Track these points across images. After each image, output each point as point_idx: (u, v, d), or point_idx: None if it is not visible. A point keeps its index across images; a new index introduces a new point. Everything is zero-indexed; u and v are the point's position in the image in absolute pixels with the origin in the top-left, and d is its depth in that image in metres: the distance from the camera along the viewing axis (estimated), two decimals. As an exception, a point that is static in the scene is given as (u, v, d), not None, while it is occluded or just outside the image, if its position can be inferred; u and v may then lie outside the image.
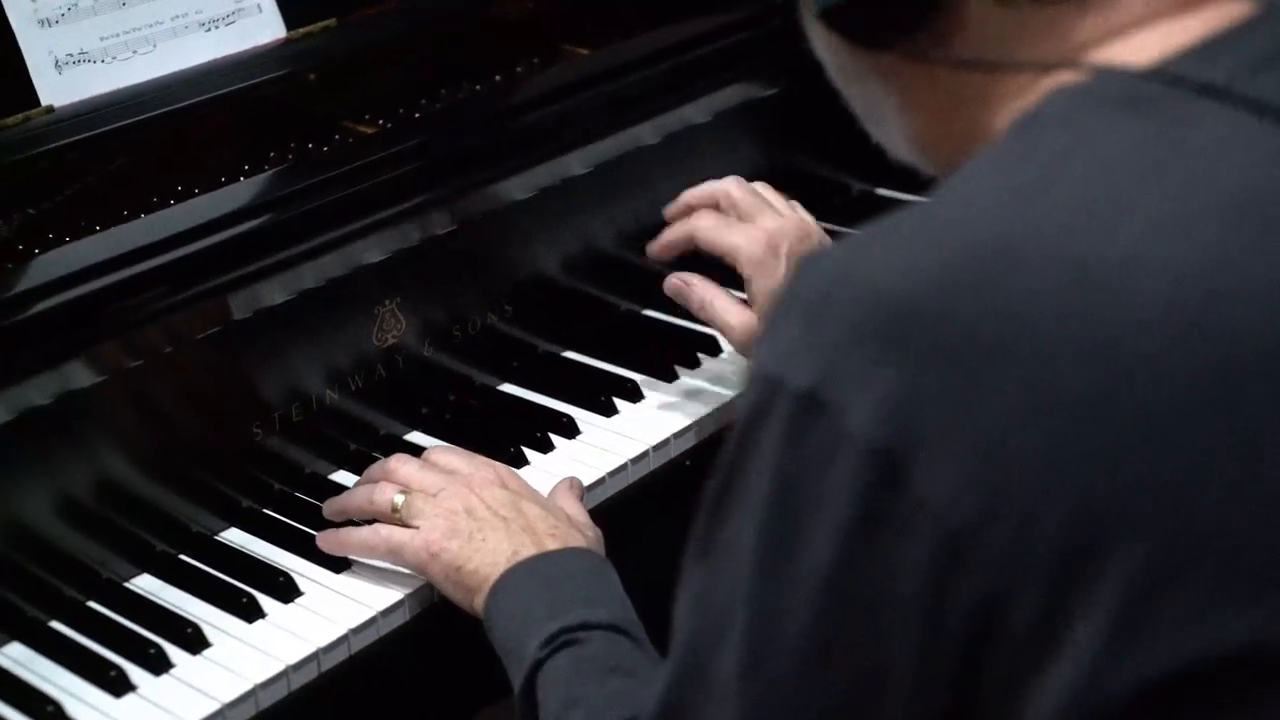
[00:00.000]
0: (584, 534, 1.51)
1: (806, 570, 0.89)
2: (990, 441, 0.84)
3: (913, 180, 2.14)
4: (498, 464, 1.58)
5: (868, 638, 0.88)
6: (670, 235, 1.78)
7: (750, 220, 1.74)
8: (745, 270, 1.70)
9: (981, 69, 0.98)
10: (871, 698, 0.90)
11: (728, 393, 1.78)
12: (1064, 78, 0.95)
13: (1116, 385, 0.83)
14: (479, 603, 1.44)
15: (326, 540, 1.54)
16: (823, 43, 1.06)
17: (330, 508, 1.58)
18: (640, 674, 1.31)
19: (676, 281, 1.76)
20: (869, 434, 0.85)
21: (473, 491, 1.51)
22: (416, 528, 1.50)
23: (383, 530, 1.51)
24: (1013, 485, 0.83)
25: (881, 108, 1.06)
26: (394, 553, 1.50)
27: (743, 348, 1.72)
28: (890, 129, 1.07)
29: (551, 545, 1.46)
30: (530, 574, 1.43)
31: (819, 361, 0.87)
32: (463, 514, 1.49)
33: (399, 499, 1.51)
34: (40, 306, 1.45)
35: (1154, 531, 0.83)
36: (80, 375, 1.47)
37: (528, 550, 1.45)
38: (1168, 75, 0.92)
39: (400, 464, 1.57)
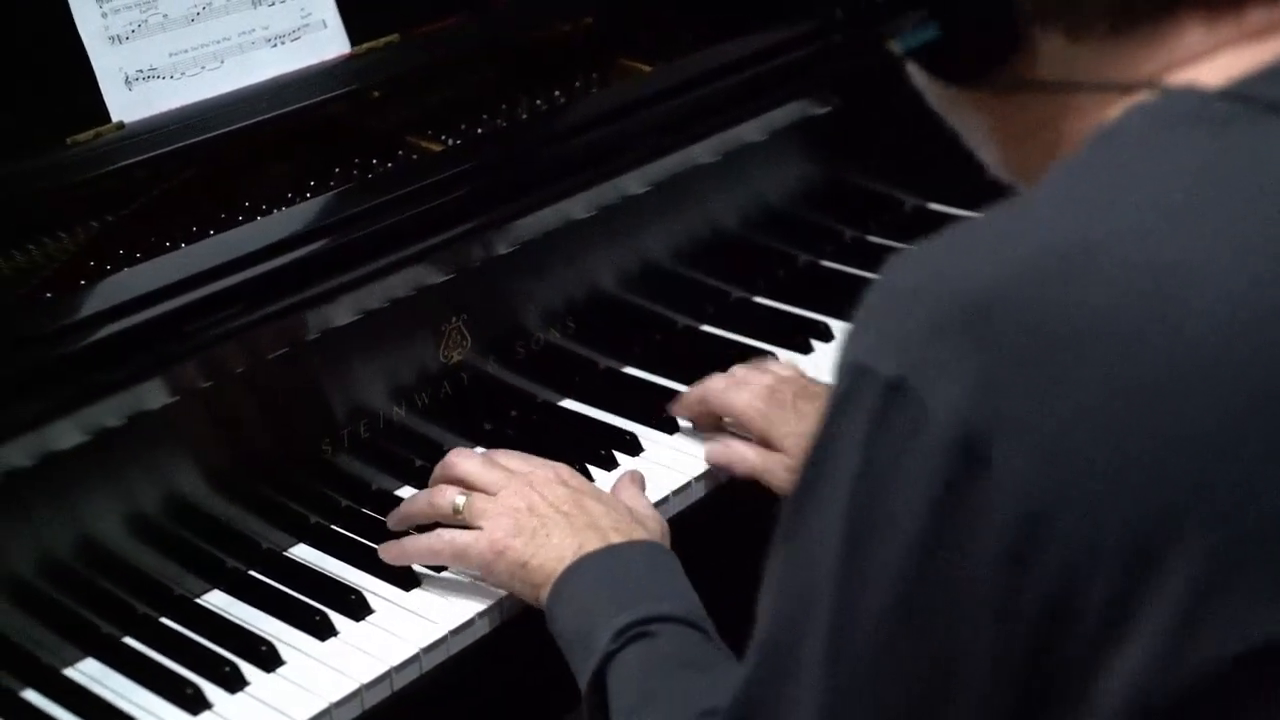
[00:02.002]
0: (647, 526, 1.52)
1: (890, 553, 0.92)
2: (1065, 431, 0.88)
3: (964, 195, 2.17)
4: (557, 464, 1.59)
5: (947, 619, 0.92)
6: (685, 400, 1.78)
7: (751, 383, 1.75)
8: (756, 426, 1.70)
9: (1057, 91, 1.04)
10: (948, 680, 0.93)
11: (788, 411, 1.78)
12: (1138, 98, 0.99)
13: (1187, 381, 0.87)
14: (544, 597, 1.45)
15: (388, 551, 1.55)
16: (914, 74, 1.13)
17: (394, 518, 1.60)
18: (713, 668, 1.32)
19: (719, 450, 1.73)
20: (951, 420, 0.89)
21: (534, 489, 1.52)
22: (479, 528, 1.51)
23: (445, 534, 1.52)
24: (1086, 473, 0.87)
25: (976, 133, 1.12)
26: (458, 555, 1.51)
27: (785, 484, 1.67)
28: (987, 152, 1.13)
29: (616, 539, 1.47)
30: (596, 567, 1.44)
31: (906, 351, 0.91)
32: (525, 511, 1.50)
33: (460, 500, 1.52)
34: (114, 328, 1.46)
35: (1221, 522, 0.87)
36: (152, 396, 1.48)
37: (592, 545, 1.46)
38: (1238, 95, 0.96)
39: (459, 459, 1.58)
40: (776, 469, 1.68)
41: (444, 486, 1.56)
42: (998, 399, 0.88)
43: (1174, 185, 0.93)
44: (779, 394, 1.72)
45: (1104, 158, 0.98)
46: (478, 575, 1.53)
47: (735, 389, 1.74)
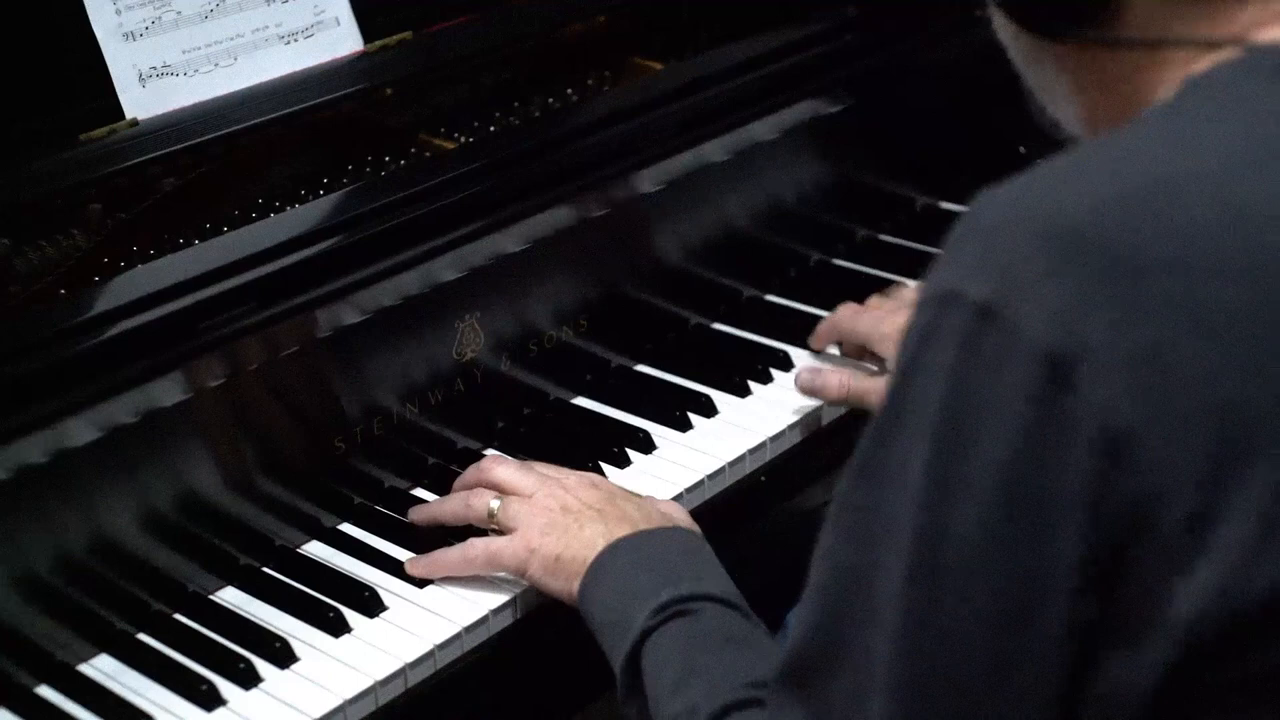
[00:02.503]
0: (678, 521, 1.53)
1: (979, 470, 0.95)
2: (1151, 351, 0.92)
3: (974, 193, 2.16)
4: (588, 473, 1.60)
5: (1034, 535, 0.95)
6: (819, 331, 1.90)
7: None
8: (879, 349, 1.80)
9: (1148, 47, 1.07)
10: (1033, 596, 0.96)
11: (802, 408, 1.79)
12: (1225, 54, 1.04)
13: (1267, 305, 0.92)
14: (577, 586, 1.45)
15: (416, 566, 1.54)
16: (1002, 28, 1.16)
17: (420, 514, 1.60)
18: (757, 645, 1.33)
19: (806, 377, 1.80)
20: (1041, 340, 0.93)
21: (567, 491, 1.53)
22: (513, 531, 1.51)
23: (478, 542, 1.52)
24: (1170, 393, 0.92)
25: (1056, 88, 1.15)
26: (493, 560, 1.51)
27: None
28: (1064, 107, 1.16)
29: (648, 528, 1.48)
30: (632, 550, 1.45)
31: (996, 275, 0.95)
32: (558, 511, 1.51)
33: (495, 504, 1.53)
34: (127, 325, 1.46)
35: None
36: (165, 393, 1.48)
37: (624, 533, 1.47)
38: None
39: (495, 464, 1.58)
40: (872, 392, 1.74)
41: (480, 490, 1.56)
42: (1085, 323, 0.92)
43: (1258, 132, 0.98)
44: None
45: (1193, 104, 1.02)
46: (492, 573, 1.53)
47: (861, 315, 1.85)
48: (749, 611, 1.39)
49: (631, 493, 1.57)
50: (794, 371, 1.83)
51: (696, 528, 1.54)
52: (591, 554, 1.45)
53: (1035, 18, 1.11)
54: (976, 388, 0.95)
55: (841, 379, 1.78)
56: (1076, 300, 0.92)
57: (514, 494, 1.54)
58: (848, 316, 1.87)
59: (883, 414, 1.01)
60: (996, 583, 0.96)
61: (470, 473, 1.60)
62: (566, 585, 1.46)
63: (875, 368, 1.83)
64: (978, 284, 0.95)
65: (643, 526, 1.48)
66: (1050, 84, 1.15)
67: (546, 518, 1.50)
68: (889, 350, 1.77)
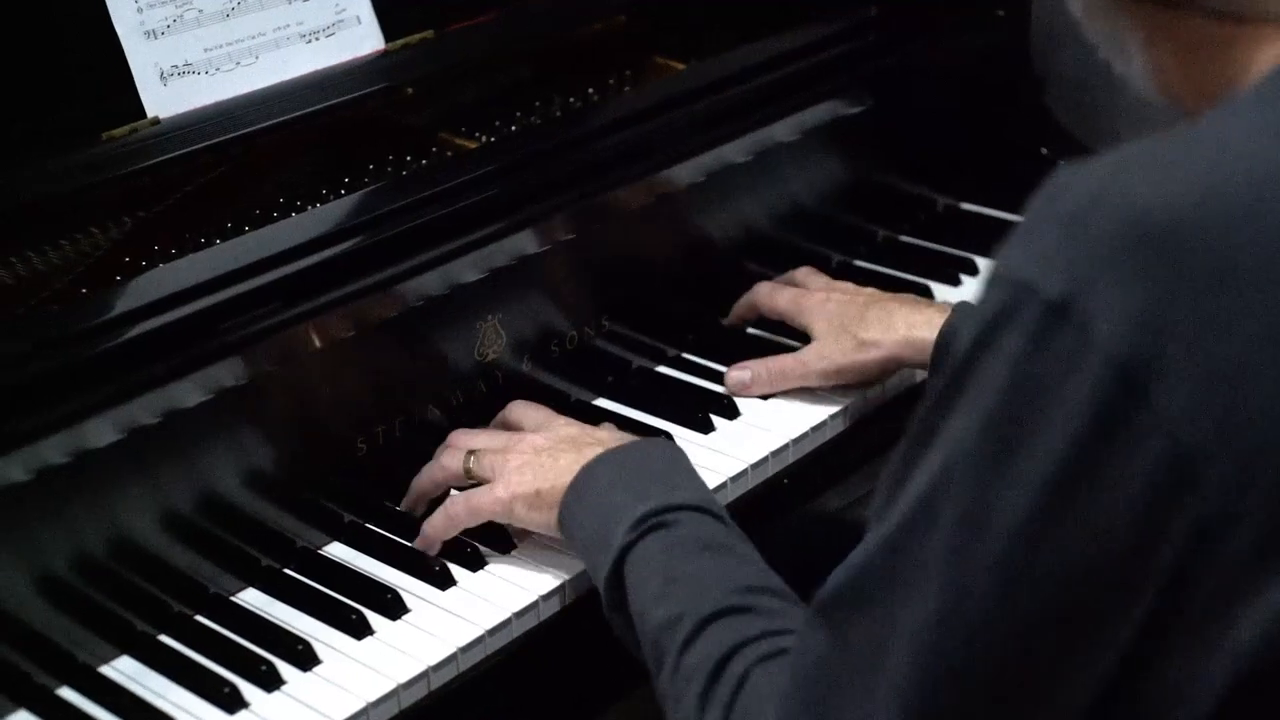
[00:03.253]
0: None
1: (1033, 467, 0.93)
2: (1232, 368, 0.88)
3: (997, 195, 2.16)
4: (559, 415, 1.62)
5: (1082, 540, 0.92)
6: (736, 309, 1.92)
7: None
8: (799, 320, 1.84)
9: (1231, 19, 1.02)
10: (1076, 599, 0.94)
11: (824, 409, 1.78)
12: None
13: None
14: (557, 514, 1.46)
15: (420, 541, 1.55)
16: None
17: (407, 500, 1.61)
18: (735, 550, 1.34)
19: (736, 376, 1.82)
20: (1115, 346, 0.89)
21: (539, 434, 1.55)
22: (490, 481, 1.52)
23: (458, 497, 1.54)
24: (1248, 413, 0.88)
25: (1127, 44, 1.09)
26: (474, 510, 1.52)
27: (825, 378, 1.80)
28: (1134, 63, 1.10)
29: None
30: (606, 466, 1.45)
31: (1073, 272, 0.91)
32: (530, 452, 1.52)
33: (469, 459, 1.54)
34: (147, 325, 1.45)
35: None
36: (186, 394, 1.47)
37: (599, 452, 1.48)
38: None
39: (462, 434, 1.60)
40: (795, 368, 1.77)
41: (452, 449, 1.58)
42: (1164, 332, 0.89)
43: None
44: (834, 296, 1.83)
45: None
46: (515, 574, 1.52)
47: (779, 290, 1.87)
48: (726, 516, 1.40)
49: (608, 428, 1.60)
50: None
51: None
52: (569, 479, 1.46)
53: None
54: (1041, 385, 0.92)
55: (764, 366, 1.80)
56: (1156, 307, 0.89)
57: (486, 451, 1.55)
58: (765, 293, 1.88)
59: (944, 384, 0.99)
60: (1033, 583, 0.94)
61: (439, 450, 1.61)
62: (550, 519, 1.48)
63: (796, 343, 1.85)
64: (1052, 278, 0.92)
65: (614, 444, 1.49)
66: (1120, 39, 1.09)
67: (519, 459, 1.52)
68: (810, 321, 1.81)
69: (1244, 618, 0.90)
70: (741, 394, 1.79)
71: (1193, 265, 0.89)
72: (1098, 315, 0.90)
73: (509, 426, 1.63)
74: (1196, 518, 0.90)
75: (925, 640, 0.98)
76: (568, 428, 1.57)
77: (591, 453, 1.48)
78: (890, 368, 1.78)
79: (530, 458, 1.52)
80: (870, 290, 1.87)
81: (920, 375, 1.80)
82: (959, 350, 0.97)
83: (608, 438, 1.53)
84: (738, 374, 1.80)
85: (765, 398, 1.80)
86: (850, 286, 1.89)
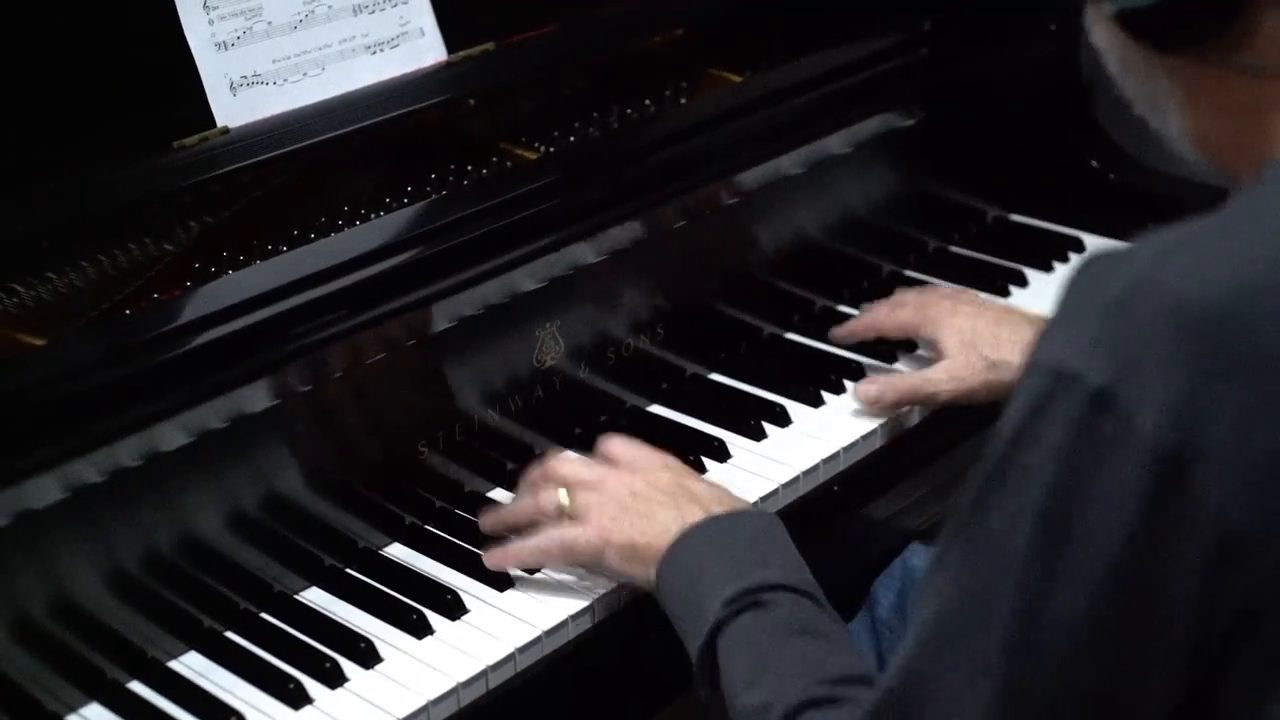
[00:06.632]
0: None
1: (1087, 558, 0.94)
2: (1273, 459, 0.89)
3: (1046, 207, 2.18)
4: (659, 450, 1.60)
5: (1139, 627, 0.94)
6: (852, 326, 1.92)
7: None
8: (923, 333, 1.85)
9: (1272, 77, 1.02)
10: (1132, 684, 0.96)
11: (874, 418, 1.81)
12: None
13: None
14: (653, 573, 1.46)
15: (492, 557, 1.56)
16: (1107, 36, 1.10)
17: (489, 521, 1.61)
18: (828, 635, 1.33)
19: (868, 391, 1.82)
20: (1158, 435, 0.90)
21: (636, 475, 1.54)
22: (585, 522, 1.52)
23: (553, 531, 1.52)
24: None
25: (1164, 102, 1.09)
26: (568, 550, 1.52)
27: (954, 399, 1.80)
28: (1170, 122, 1.10)
29: (719, 511, 1.49)
30: (704, 537, 1.45)
31: (1116, 360, 0.92)
32: (628, 497, 1.51)
33: (564, 497, 1.54)
34: (216, 332, 1.50)
35: None
36: (254, 399, 1.51)
37: (695, 517, 1.47)
38: None
39: (558, 461, 1.59)
40: (930, 381, 1.77)
41: (547, 486, 1.57)
42: (1206, 420, 0.89)
43: None
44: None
45: None
46: (570, 577, 1.56)
47: (897, 308, 1.87)
48: (820, 596, 1.39)
49: (700, 476, 1.60)
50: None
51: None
52: (666, 540, 1.46)
53: (1150, 28, 1.05)
54: (1087, 477, 0.93)
55: (893, 385, 1.80)
56: (1198, 395, 0.89)
57: (581, 486, 1.55)
58: (886, 313, 1.88)
59: (986, 474, 0.99)
60: (1093, 671, 0.96)
61: (534, 471, 1.60)
62: (645, 574, 1.47)
63: (929, 354, 1.85)
64: (1095, 367, 0.92)
65: (714, 509, 1.49)
66: (1159, 98, 1.09)
67: (617, 505, 1.51)
68: (937, 334, 1.81)
69: (1276, 701, 0.92)
70: (870, 409, 1.80)
71: (1233, 355, 0.89)
72: (1140, 405, 0.90)
73: (604, 459, 1.61)
74: (1241, 600, 0.91)
75: None
76: (664, 472, 1.55)
77: (690, 512, 1.48)
78: None
79: (628, 503, 1.51)
80: (999, 304, 1.88)
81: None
82: (1000, 439, 0.98)
83: (704, 492, 1.52)
84: (868, 388, 1.80)
85: (816, 405, 1.83)
86: (974, 296, 1.90)
